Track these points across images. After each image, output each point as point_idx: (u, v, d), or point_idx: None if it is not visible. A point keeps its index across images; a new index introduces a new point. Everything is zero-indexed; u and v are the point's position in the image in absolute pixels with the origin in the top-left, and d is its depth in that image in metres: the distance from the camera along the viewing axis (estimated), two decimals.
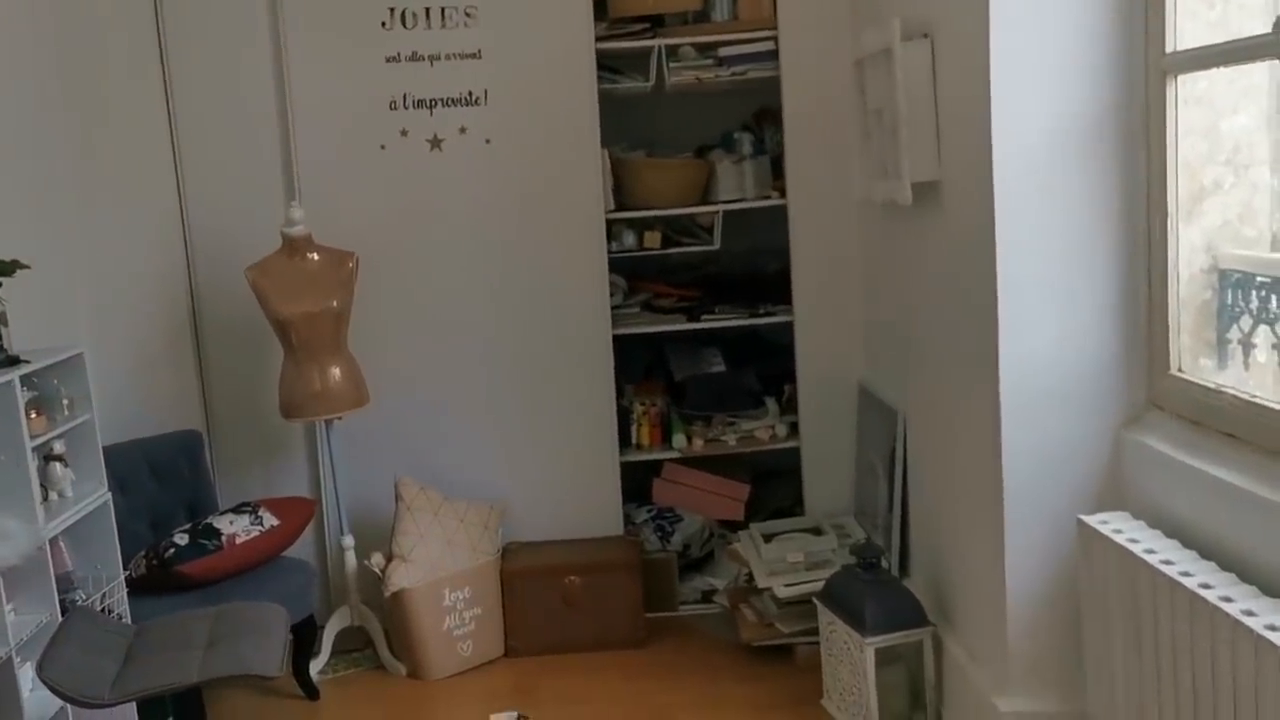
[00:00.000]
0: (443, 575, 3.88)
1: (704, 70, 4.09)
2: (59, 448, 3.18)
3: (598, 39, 4.06)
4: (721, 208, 4.19)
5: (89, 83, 3.93)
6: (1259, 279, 2.39)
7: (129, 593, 3.35)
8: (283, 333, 3.79)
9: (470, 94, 4.09)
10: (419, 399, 4.19)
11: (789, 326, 4.23)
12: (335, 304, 3.79)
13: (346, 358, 3.89)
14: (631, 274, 4.44)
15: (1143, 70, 2.52)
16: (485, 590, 3.97)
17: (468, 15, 4.05)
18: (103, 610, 3.16)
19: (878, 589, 3.22)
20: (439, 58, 4.06)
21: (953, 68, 2.87)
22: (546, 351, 4.21)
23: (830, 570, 3.55)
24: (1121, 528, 2.41)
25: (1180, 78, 2.46)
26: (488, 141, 4.11)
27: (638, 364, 4.58)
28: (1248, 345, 2.38)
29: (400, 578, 3.82)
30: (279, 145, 4.07)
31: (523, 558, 4.09)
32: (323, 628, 3.97)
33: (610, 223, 4.19)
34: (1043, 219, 2.60)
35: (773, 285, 4.29)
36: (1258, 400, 2.24)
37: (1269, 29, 2.06)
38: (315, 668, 3.88)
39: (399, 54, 4.05)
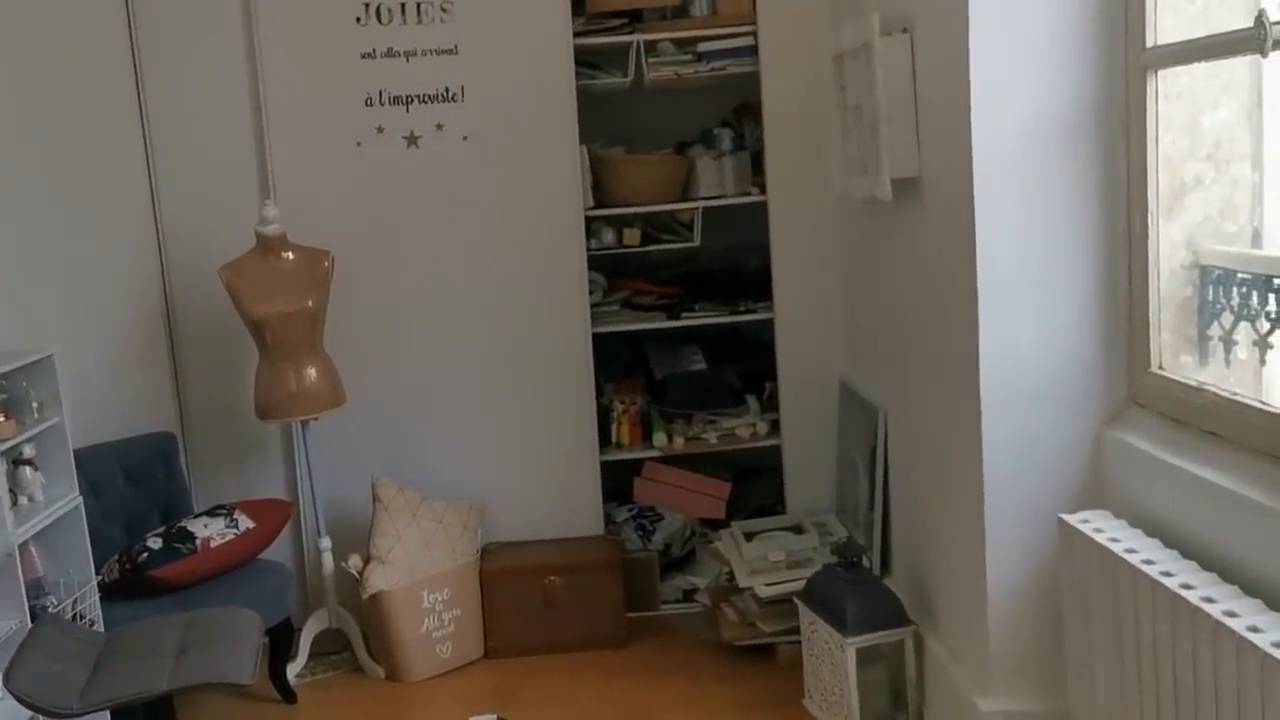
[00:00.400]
0: (421, 577, 3.84)
1: (683, 66, 4.06)
2: (29, 451, 3.14)
3: (575, 34, 4.02)
4: (701, 204, 4.16)
5: (59, 80, 3.87)
6: (1240, 275, 2.37)
7: (102, 598, 3.31)
8: (257, 333, 3.74)
9: (447, 90, 4.04)
10: (396, 399, 4.15)
11: (770, 324, 4.21)
12: (310, 303, 3.75)
13: (322, 358, 3.84)
14: (611, 271, 4.40)
15: (1123, 65, 2.50)
16: (464, 591, 3.94)
17: (444, 10, 4.00)
18: (75, 616, 3.12)
19: (859, 588, 3.20)
20: (415, 53, 4.01)
21: (932, 63, 2.84)
22: (525, 350, 4.18)
23: (812, 569, 3.53)
24: (1102, 527, 2.39)
25: (1161, 73, 2.44)
26: (465, 138, 4.07)
27: (618, 362, 4.54)
28: (1229, 342, 2.37)
29: (378, 580, 3.78)
30: (253, 143, 4.02)
31: (502, 558, 4.06)
32: (300, 630, 3.92)
33: (589, 220, 4.15)
34: (1022, 215, 2.58)
35: (753, 282, 4.26)
36: (1238, 398, 2.22)
37: (1250, 23, 2.03)
38: (293, 671, 3.84)
39: (374, 50, 4.00)
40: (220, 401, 4.11)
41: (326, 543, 3.95)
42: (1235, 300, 2.36)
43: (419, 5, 3.99)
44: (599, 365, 4.24)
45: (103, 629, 3.18)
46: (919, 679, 3.21)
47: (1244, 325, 2.32)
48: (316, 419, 3.87)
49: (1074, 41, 2.51)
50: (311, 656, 3.96)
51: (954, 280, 2.73)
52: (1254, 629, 1.84)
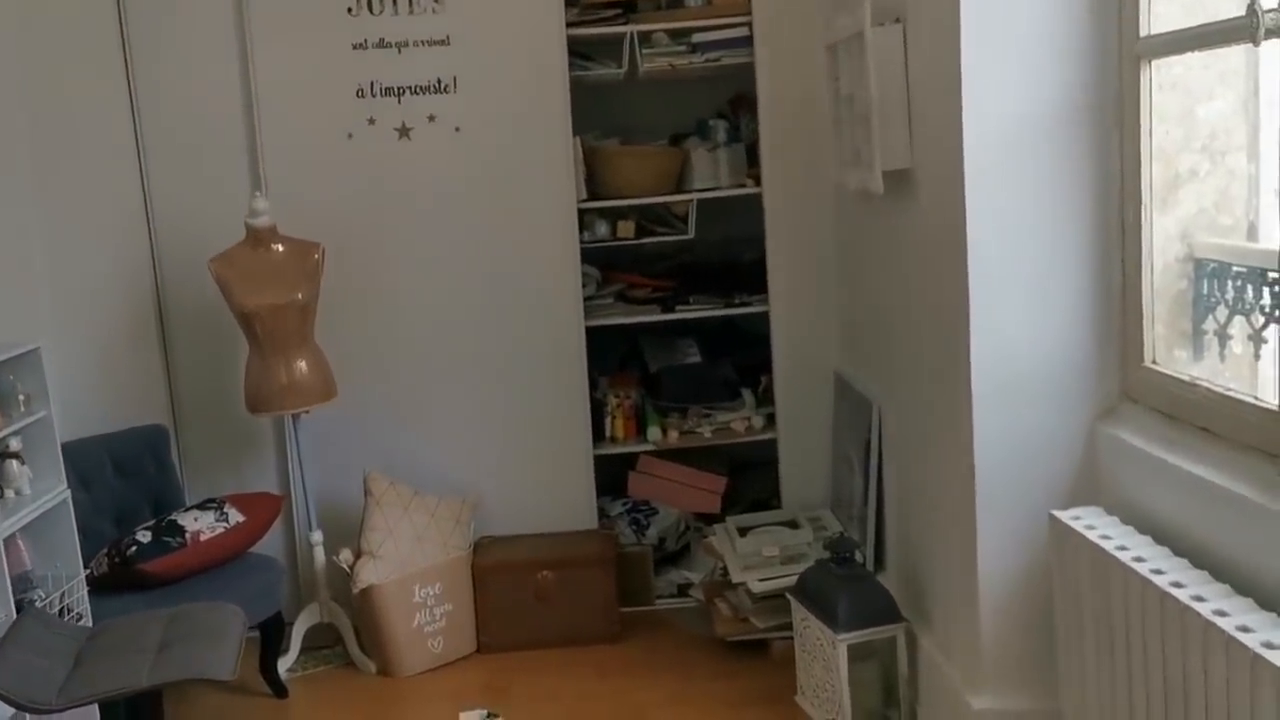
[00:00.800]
0: (413, 571, 3.82)
1: (677, 57, 4.02)
2: (15, 444, 3.11)
3: (569, 25, 3.98)
4: (696, 196, 4.13)
5: (48, 71, 3.85)
6: (1235, 269, 2.33)
7: (92, 591, 3.29)
8: (247, 325, 3.72)
9: (439, 81, 4.01)
10: (388, 392, 4.12)
11: (765, 317, 4.17)
12: (300, 296, 3.72)
13: (313, 350, 3.82)
14: (605, 264, 4.37)
15: (1116, 55, 2.46)
16: (456, 586, 3.91)
17: (436, 1, 3.97)
18: (63, 610, 3.10)
19: (851, 584, 3.17)
20: (407, 44, 3.98)
21: (924, 52, 2.81)
22: (518, 343, 4.15)
23: (806, 564, 3.50)
24: (1094, 524, 2.35)
25: (1155, 62, 2.40)
26: (457, 130, 4.03)
27: (612, 356, 4.51)
28: (1223, 336, 2.33)
29: (369, 574, 3.76)
30: (244, 134, 3.99)
31: (495, 552, 4.03)
32: (291, 625, 3.90)
33: (583, 212, 4.12)
34: (1015, 207, 2.55)
35: (748, 275, 4.23)
36: (1232, 394, 2.19)
37: (1244, 11, 2.00)
38: (284, 665, 3.82)
39: (366, 41, 3.97)
40: (212, 394, 4.08)
41: (318, 536, 3.93)
42: (1230, 294, 2.32)
43: None
44: (593, 359, 4.20)
45: (91, 623, 3.16)
46: (911, 676, 3.18)
47: (1239, 319, 2.28)
48: (307, 412, 3.85)
49: (1067, 30, 2.47)
50: (303, 651, 3.94)
51: (945, 273, 2.70)
52: (1244, 628, 1.81)
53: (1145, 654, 2.08)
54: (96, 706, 2.96)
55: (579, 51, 4.07)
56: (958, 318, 2.62)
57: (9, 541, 2.96)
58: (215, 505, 3.67)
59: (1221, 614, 1.87)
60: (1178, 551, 2.16)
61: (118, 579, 3.41)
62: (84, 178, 3.94)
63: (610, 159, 4.14)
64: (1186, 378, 2.34)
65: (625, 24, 4.01)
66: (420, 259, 4.09)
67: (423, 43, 3.98)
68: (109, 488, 3.77)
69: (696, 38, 4.01)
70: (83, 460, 3.65)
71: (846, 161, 3.32)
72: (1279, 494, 1.96)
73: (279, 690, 3.71)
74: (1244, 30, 2.01)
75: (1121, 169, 2.49)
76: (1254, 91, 2.29)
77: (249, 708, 3.67)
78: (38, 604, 2.98)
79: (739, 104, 4.29)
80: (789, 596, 3.39)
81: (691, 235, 4.17)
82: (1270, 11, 1.94)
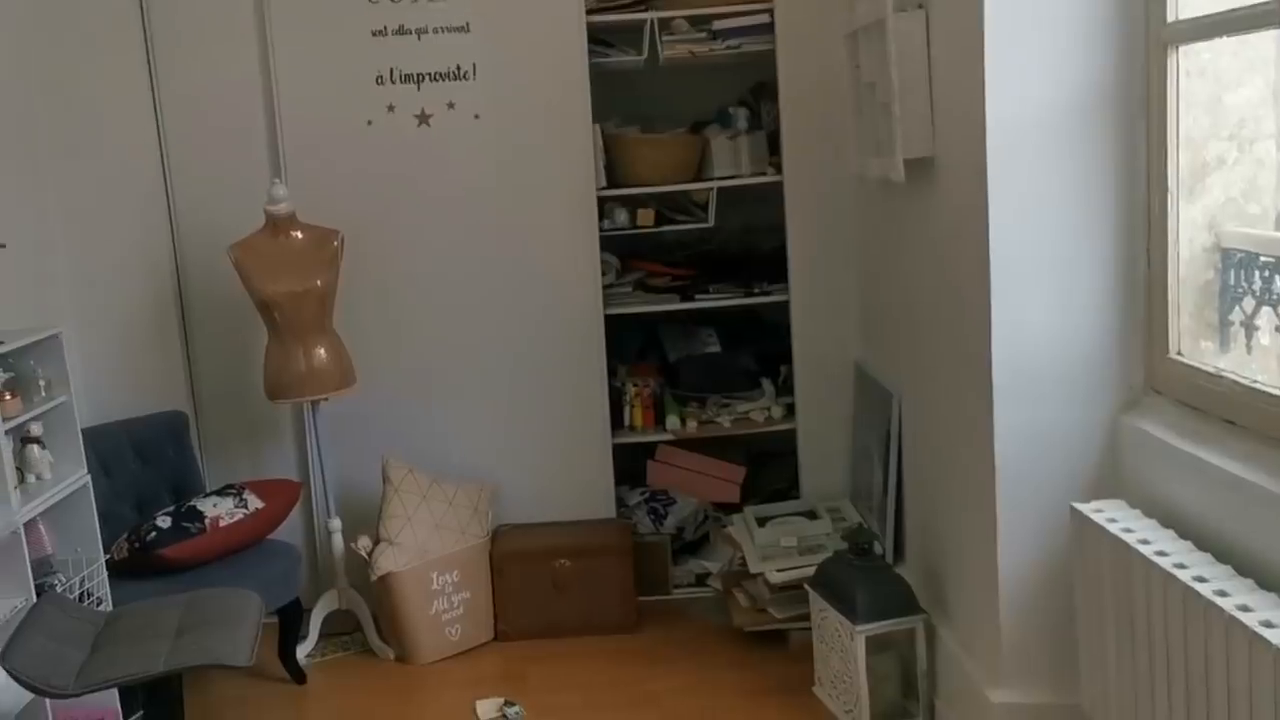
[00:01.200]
0: (431, 558, 3.83)
1: (698, 44, 3.99)
2: (36, 430, 3.13)
3: (588, 11, 3.96)
4: (716, 184, 4.10)
5: (71, 59, 3.87)
6: (1263, 259, 2.30)
7: (111, 576, 3.31)
8: (266, 312, 3.72)
9: (458, 68, 4.00)
10: (407, 380, 4.12)
11: (785, 306, 4.15)
12: (319, 283, 3.72)
13: (332, 338, 3.82)
14: (624, 253, 4.35)
15: (1143, 41, 2.42)
16: (474, 574, 3.92)
17: None
18: (83, 595, 3.12)
19: (869, 576, 3.15)
20: (426, 31, 3.97)
21: (947, 38, 2.77)
22: (537, 331, 4.14)
23: (824, 555, 3.48)
24: (1116, 516, 2.32)
25: (1182, 49, 2.36)
26: (476, 117, 4.02)
27: (631, 344, 4.49)
28: (1250, 327, 2.29)
29: (387, 561, 3.77)
30: (264, 121, 3.99)
31: (513, 540, 4.03)
32: (310, 611, 3.91)
33: (602, 200, 4.10)
34: (1038, 196, 2.51)
35: (768, 263, 4.20)
36: (1259, 386, 2.15)
37: None
38: (302, 651, 3.83)
39: (385, 28, 3.96)
40: (232, 381, 4.09)
41: (336, 523, 3.94)
42: (1258, 284, 2.29)
43: None
44: (612, 347, 4.19)
45: (110, 608, 3.18)
46: (930, 669, 3.16)
47: (1266, 310, 2.25)
48: (326, 399, 3.85)
49: (1092, 15, 2.43)
50: (322, 637, 3.95)
51: (967, 263, 2.67)
52: (1268, 624, 1.79)
53: (1167, 649, 2.05)
54: (116, 691, 2.98)
55: (599, 38, 4.05)
56: (979, 308, 2.60)
57: (30, 526, 2.97)
58: (234, 491, 3.68)
59: (1246, 609, 1.85)
60: (1201, 546, 2.13)
61: (137, 564, 3.43)
62: (105, 164, 3.95)
63: (630, 147, 4.12)
64: (1212, 369, 2.31)
65: (645, 11, 3.98)
66: (439, 246, 4.08)
67: (442, 29, 3.97)
68: (129, 473, 3.79)
69: (717, 25, 3.98)
70: (103, 445, 3.67)
71: (868, 149, 3.28)
72: None
73: (298, 676, 3.73)
74: (1273, 16, 1.97)
75: (1148, 157, 2.46)
76: None
77: (268, 693, 3.69)
78: (58, 588, 3.00)
79: (760, 91, 4.24)
80: (807, 587, 3.37)
81: (711, 224, 4.14)
82: None
